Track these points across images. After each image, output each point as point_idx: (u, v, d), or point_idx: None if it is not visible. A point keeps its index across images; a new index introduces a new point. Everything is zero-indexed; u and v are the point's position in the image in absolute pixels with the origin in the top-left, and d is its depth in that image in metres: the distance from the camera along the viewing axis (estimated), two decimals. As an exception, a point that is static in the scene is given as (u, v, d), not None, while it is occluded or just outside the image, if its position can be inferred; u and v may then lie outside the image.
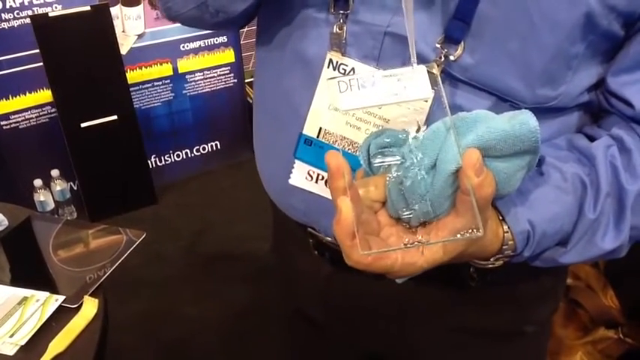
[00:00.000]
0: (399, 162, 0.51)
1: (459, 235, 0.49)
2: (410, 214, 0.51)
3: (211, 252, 2.33)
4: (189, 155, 2.82)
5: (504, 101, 0.59)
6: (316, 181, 0.68)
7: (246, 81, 2.87)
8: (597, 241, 0.59)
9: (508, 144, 0.50)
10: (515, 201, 0.57)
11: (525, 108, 0.58)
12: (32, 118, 2.39)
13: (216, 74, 2.72)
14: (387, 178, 0.52)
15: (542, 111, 0.59)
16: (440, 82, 0.52)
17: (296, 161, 0.68)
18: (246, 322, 1.97)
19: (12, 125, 2.35)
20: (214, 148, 2.86)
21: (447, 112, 0.50)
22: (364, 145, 0.54)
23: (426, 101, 0.59)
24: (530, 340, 0.82)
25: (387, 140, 0.52)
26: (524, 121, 0.50)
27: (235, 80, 2.77)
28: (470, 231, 0.48)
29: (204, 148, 2.84)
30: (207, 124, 2.80)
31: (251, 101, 3.08)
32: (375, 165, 0.52)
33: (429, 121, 0.59)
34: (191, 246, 2.36)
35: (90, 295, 0.91)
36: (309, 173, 0.68)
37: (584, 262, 0.63)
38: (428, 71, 0.52)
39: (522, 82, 0.58)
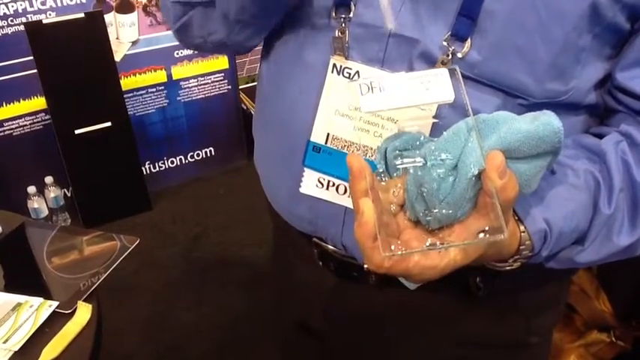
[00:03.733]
0: (420, 164, 0.50)
1: (481, 236, 0.48)
2: (430, 216, 0.50)
3: (206, 258, 2.32)
4: (184, 161, 2.82)
5: (514, 97, 0.59)
6: (327, 188, 0.67)
7: (240, 87, 2.88)
8: (613, 237, 0.59)
9: (531, 145, 0.49)
10: (530, 200, 0.56)
11: (535, 103, 0.58)
12: (26, 125, 2.39)
13: (210, 81, 2.72)
14: (407, 181, 0.51)
15: (552, 107, 0.58)
16: (462, 82, 0.51)
17: (305, 169, 0.68)
18: (242, 328, 1.96)
19: (6, 132, 2.35)
20: (209, 154, 2.87)
21: (469, 112, 0.50)
22: (381, 149, 0.53)
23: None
24: (534, 351, 0.81)
25: (404, 143, 0.52)
26: (547, 122, 0.49)
27: (229, 87, 2.78)
28: (493, 233, 0.48)
29: (198, 155, 2.84)
30: (201, 131, 2.80)
31: (245, 107, 3.09)
32: (397, 166, 0.51)
33: (438, 117, 0.59)
34: (186, 252, 2.36)
35: (84, 301, 0.91)
36: (319, 180, 0.67)
37: (599, 262, 0.62)
38: (448, 69, 0.51)
39: (531, 77, 0.57)
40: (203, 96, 2.74)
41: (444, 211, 0.49)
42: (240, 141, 2.88)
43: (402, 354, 0.79)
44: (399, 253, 0.48)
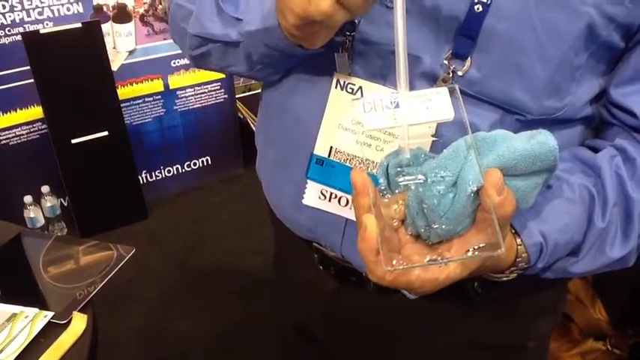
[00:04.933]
0: (421, 181, 0.52)
1: (477, 253, 0.50)
2: (430, 231, 0.52)
3: (202, 267, 2.32)
4: (180, 170, 2.82)
5: (511, 113, 0.60)
6: (329, 200, 0.68)
7: (237, 96, 2.89)
8: (606, 249, 0.60)
9: (528, 163, 0.51)
10: (526, 214, 0.58)
11: (532, 119, 0.60)
12: (23, 134, 2.39)
13: (206, 90, 2.73)
14: (408, 197, 0.52)
15: (548, 123, 0.60)
16: (461, 101, 0.52)
17: (308, 181, 0.69)
18: (238, 338, 1.96)
19: (2, 142, 2.35)
20: (205, 163, 2.87)
21: (468, 130, 0.51)
22: (382, 165, 0.54)
23: None
24: (531, 355, 0.82)
25: (405, 160, 0.53)
26: (543, 140, 0.51)
27: (226, 96, 2.79)
28: (490, 248, 0.49)
29: (195, 164, 2.85)
30: (198, 140, 2.81)
31: (242, 117, 3.09)
32: (399, 183, 0.53)
33: (437, 134, 0.61)
34: (182, 261, 2.35)
35: (79, 311, 0.91)
36: (322, 192, 0.69)
37: (593, 272, 0.64)
38: (448, 89, 0.53)
39: (529, 94, 0.59)
40: (200, 105, 2.75)
41: (444, 226, 0.51)
42: (236, 150, 2.89)
43: (401, 358, 0.79)
44: (401, 267, 0.49)
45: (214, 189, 2.80)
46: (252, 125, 2.88)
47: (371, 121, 0.52)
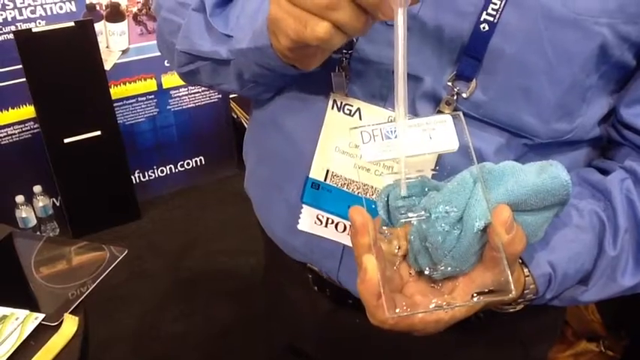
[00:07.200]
0: (423, 217, 0.48)
1: (486, 298, 0.48)
2: (435, 271, 0.49)
3: (196, 268, 2.31)
4: (174, 170, 2.81)
5: (518, 137, 0.58)
6: (326, 225, 0.65)
7: (231, 96, 2.88)
8: (617, 277, 0.58)
9: (539, 199, 0.48)
10: (534, 244, 0.55)
11: (540, 143, 0.57)
12: (15, 133, 2.37)
13: (200, 89, 2.71)
14: (410, 234, 0.49)
15: (556, 146, 0.58)
16: (466, 129, 0.49)
17: (304, 206, 0.66)
18: (231, 339, 1.95)
19: (-6, 141, 2.34)
20: (199, 163, 2.86)
21: (474, 160, 0.48)
22: (382, 196, 0.51)
23: None
24: None
25: (407, 191, 0.50)
26: (555, 174, 0.48)
27: (220, 96, 2.77)
28: (498, 288, 0.47)
29: (188, 164, 2.84)
30: (191, 140, 2.79)
31: (235, 117, 3.07)
32: (401, 220, 0.50)
33: (440, 162, 0.58)
34: (175, 262, 2.34)
35: (71, 313, 0.90)
36: (318, 217, 0.65)
37: (602, 300, 0.62)
38: (451, 115, 0.49)
39: (537, 117, 0.56)
40: (193, 105, 2.74)
41: (449, 268, 0.48)
42: (230, 150, 2.88)
43: None
44: (404, 314, 0.47)
45: (208, 189, 2.79)
46: (245, 125, 2.87)
47: (370, 153, 0.49)
